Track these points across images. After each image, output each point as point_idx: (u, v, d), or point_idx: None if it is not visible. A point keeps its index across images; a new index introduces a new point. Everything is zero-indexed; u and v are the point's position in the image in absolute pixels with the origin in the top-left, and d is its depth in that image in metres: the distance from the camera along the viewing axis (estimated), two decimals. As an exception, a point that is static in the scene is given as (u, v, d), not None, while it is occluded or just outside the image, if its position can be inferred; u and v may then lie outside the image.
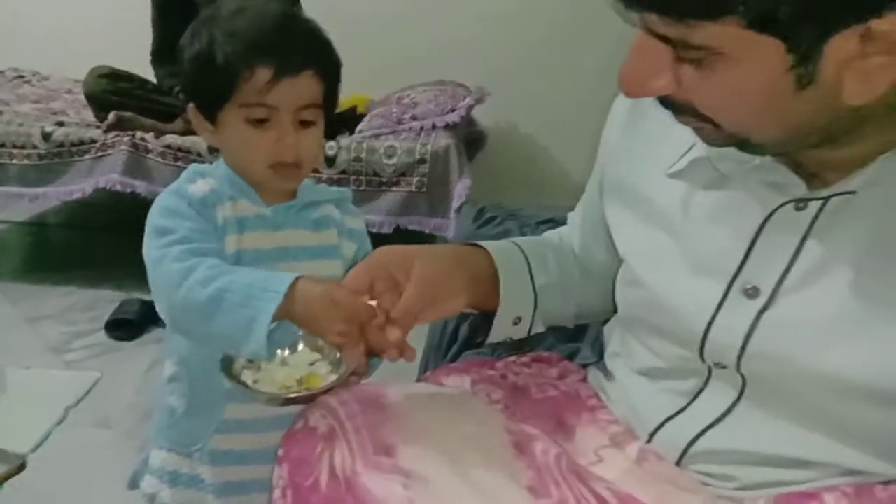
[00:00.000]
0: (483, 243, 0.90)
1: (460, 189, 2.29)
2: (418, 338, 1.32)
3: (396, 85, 2.74)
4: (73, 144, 2.37)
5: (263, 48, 0.84)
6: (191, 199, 0.87)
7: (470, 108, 2.53)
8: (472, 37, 2.90)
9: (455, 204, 2.28)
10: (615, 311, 0.85)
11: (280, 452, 0.73)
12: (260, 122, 0.86)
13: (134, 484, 1.01)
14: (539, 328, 0.92)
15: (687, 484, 0.72)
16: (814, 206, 0.63)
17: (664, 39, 0.55)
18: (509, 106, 2.96)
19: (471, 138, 2.73)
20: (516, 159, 3.08)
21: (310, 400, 0.76)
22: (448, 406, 0.77)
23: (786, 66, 0.52)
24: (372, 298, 0.77)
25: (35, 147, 2.38)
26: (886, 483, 0.65)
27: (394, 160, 2.32)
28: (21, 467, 1.10)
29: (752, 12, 0.50)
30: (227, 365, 0.80)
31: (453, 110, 2.45)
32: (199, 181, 0.89)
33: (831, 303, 0.62)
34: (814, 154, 0.62)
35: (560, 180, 2.99)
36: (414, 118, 2.43)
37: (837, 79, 0.52)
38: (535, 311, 0.89)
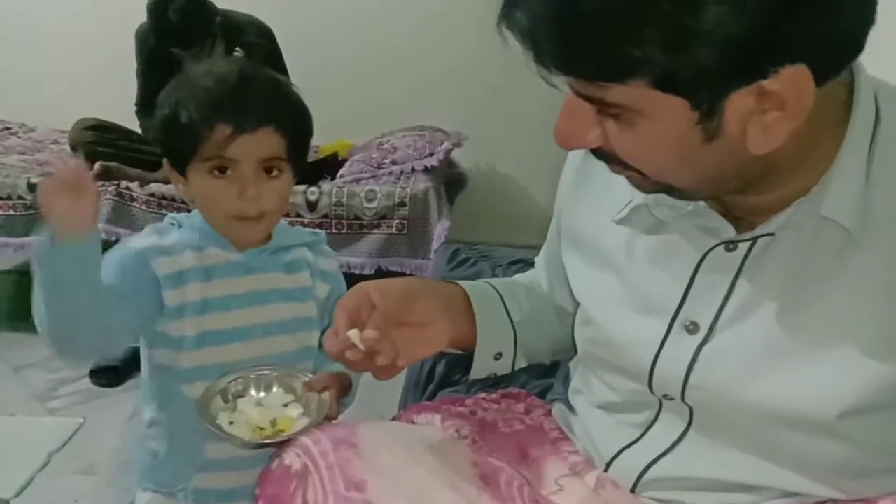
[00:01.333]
0: (459, 282, 0.93)
1: (440, 230, 2.35)
2: (397, 378, 1.37)
3: (378, 130, 2.82)
4: (58, 194, 2.41)
5: (222, 107, 0.90)
6: (132, 252, 0.92)
7: (448, 152, 2.60)
8: (452, 83, 2.99)
9: (435, 245, 2.34)
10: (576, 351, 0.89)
11: (256, 491, 0.76)
12: (222, 173, 0.91)
13: (121, 526, 1.04)
14: (522, 363, 0.94)
15: (640, 509, 0.77)
16: (743, 248, 0.69)
17: (586, 98, 0.61)
18: (489, 148, 3.04)
19: (451, 180, 2.80)
20: (497, 199, 3.14)
21: (281, 444, 0.80)
22: (417, 442, 0.80)
23: (693, 121, 0.58)
24: (358, 324, 0.78)
25: (21, 198, 2.42)
26: (822, 503, 0.70)
27: (374, 203, 2.38)
28: (5, 511, 1.13)
29: (654, 75, 0.56)
30: (203, 407, 0.84)
31: (432, 154, 2.53)
32: (152, 236, 0.95)
33: (760, 336, 0.68)
34: (738, 199, 0.67)
35: (539, 219, 3.04)
36: (394, 162, 2.50)
37: (741, 131, 0.58)
38: (515, 346, 0.92)
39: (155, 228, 0.97)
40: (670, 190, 0.66)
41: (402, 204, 2.37)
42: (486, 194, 3.10)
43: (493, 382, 1.15)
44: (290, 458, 0.76)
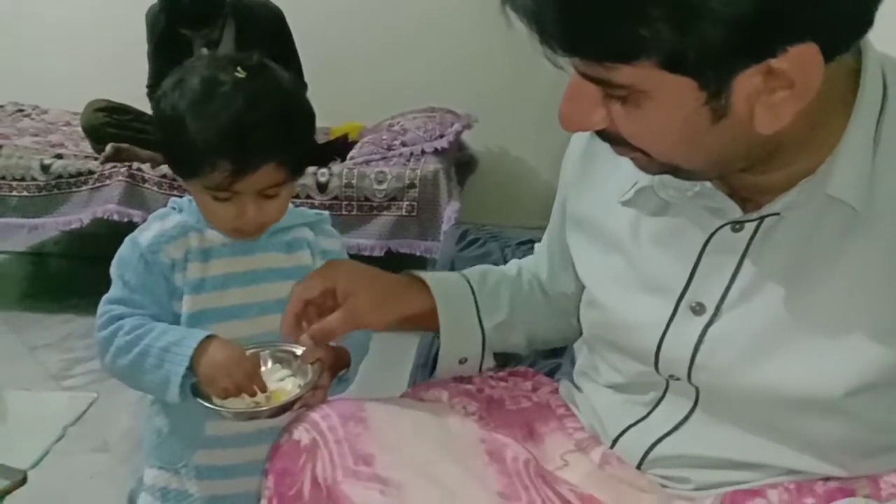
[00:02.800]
0: (434, 284, 0.92)
1: (449, 212, 2.35)
2: (407, 357, 1.38)
3: (389, 113, 2.82)
4: (71, 176, 2.44)
5: (222, 149, 0.86)
6: (141, 250, 0.94)
7: (458, 133, 2.60)
8: (463, 65, 2.97)
9: (445, 227, 2.34)
10: (580, 333, 0.90)
11: (266, 465, 0.78)
12: (221, 199, 0.91)
13: (132, 502, 1.06)
14: (490, 364, 0.95)
15: (645, 485, 0.77)
16: (749, 228, 0.69)
17: (592, 79, 0.60)
18: (500, 131, 3.03)
19: (461, 162, 2.80)
20: (507, 182, 3.14)
21: (273, 414, 0.83)
22: (425, 418, 0.82)
23: (700, 101, 0.58)
24: (318, 309, 0.87)
25: (34, 179, 2.44)
26: (826, 479, 0.70)
27: (384, 185, 2.38)
28: (22, 481, 1.15)
29: (661, 55, 0.55)
30: (196, 384, 0.87)
31: (442, 136, 2.53)
32: (155, 224, 0.96)
33: (765, 317, 0.68)
34: (744, 179, 0.67)
35: (549, 201, 3.04)
36: (404, 144, 2.50)
37: (748, 111, 0.58)
38: (483, 350, 0.93)
39: (156, 216, 0.98)
40: (676, 171, 0.66)
41: (411, 186, 2.37)
42: (497, 177, 3.10)
43: (503, 362, 1.16)
44: (299, 432, 0.77)
